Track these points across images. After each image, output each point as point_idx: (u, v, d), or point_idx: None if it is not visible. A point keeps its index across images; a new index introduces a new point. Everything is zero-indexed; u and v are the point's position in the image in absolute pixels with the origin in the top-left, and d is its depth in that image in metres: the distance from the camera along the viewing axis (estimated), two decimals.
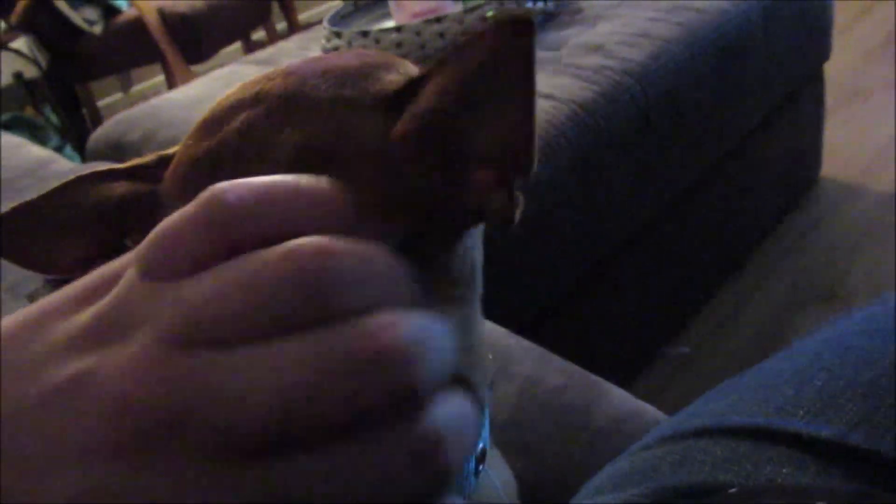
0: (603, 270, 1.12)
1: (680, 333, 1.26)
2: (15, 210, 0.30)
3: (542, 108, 1.02)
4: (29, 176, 1.38)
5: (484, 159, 0.27)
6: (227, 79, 1.50)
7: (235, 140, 0.28)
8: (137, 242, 0.31)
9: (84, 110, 2.28)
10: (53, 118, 2.06)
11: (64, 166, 1.42)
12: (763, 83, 1.28)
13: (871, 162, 1.51)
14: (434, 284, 0.30)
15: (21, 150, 1.51)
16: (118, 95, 2.84)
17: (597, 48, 1.16)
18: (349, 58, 0.31)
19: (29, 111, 2.02)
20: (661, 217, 1.18)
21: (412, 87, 0.27)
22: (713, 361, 1.22)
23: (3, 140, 1.59)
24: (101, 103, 2.59)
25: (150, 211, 0.30)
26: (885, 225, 1.35)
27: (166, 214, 0.29)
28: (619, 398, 0.68)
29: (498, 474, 0.33)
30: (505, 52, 0.24)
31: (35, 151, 1.51)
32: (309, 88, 0.29)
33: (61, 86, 2.09)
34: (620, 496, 0.42)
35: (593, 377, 0.71)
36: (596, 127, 1.04)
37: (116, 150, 1.42)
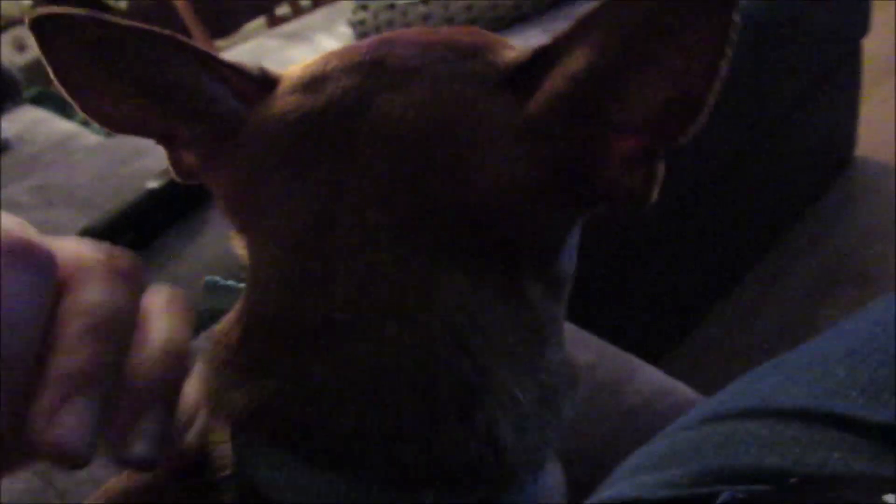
0: (635, 249, 1.10)
1: (710, 313, 1.24)
2: (83, 16, 0.27)
3: None
4: (55, 150, 1.38)
5: (637, 127, 0.25)
6: (253, 53, 1.49)
7: (346, 101, 0.27)
8: (189, 132, 0.30)
9: None
10: None
11: (91, 140, 1.42)
12: (799, 59, 1.25)
13: None
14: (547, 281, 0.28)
15: (48, 125, 1.52)
16: None
17: None
18: (457, 33, 0.30)
19: (54, 87, 2.03)
20: (694, 196, 1.16)
21: (543, 58, 0.26)
22: (743, 341, 1.20)
23: (29, 114, 1.59)
24: None
25: (226, 125, 0.29)
26: None
27: (245, 142, 0.28)
28: (650, 375, 0.67)
29: (551, 475, 0.32)
30: (700, 15, 0.23)
31: (61, 125, 1.51)
32: (430, 62, 0.28)
33: None
34: (661, 476, 0.41)
35: (625, 354, 0.70)
36: None
37: None
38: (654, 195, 0.26)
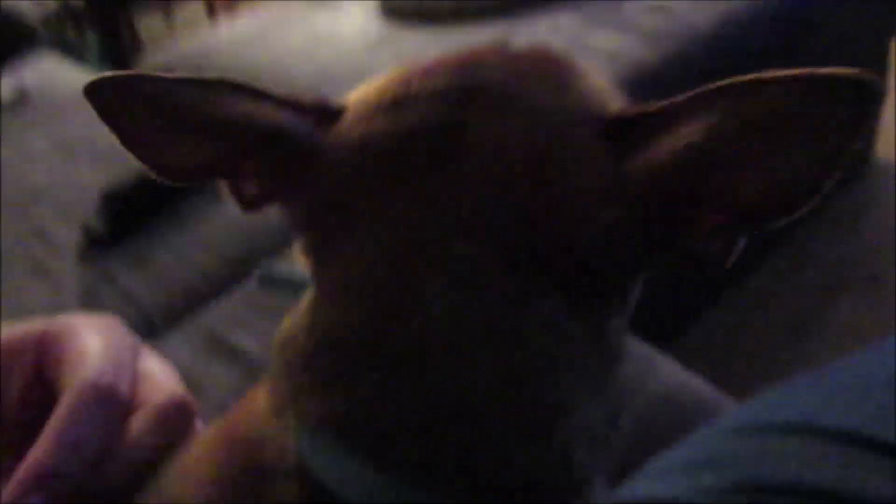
0: None
1: (721, 303, 1.25)
2: (145, 77, 0.27)
3: (605, 66, 1.00)
4: (75, 101, 1.37)
5: (734, 211, 0.25)
6: (278, 16, 1.48)
7: (442, 125, 0.27)
8: (257, 172, 0.30)
9: (125, 36, 2.25)
10: (94, 42, 2.04)
11: None
12: (827, 58, 1.24)
13: None
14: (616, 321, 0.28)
15: (67, 74, 1.51)
16: (159, 23, 2.81)
17: (661, 8, 1.13)
18: (541, 58, 0.30)
19: (70, 35, 2.01)
20: None
21: (652, 119, 0.25)
22: (751, 335, 1.21)
23: (48, 63, 1.58)
24: (143, 33, 2.56)
25: (298, 153, 0.29)
26: None
27: (324, 167, 0.29)
28: (669, 369, 0.68)
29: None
30: (834, 113, 0.22)
31: (81, 75, 1.50)
32: (527, 92, 0.28)
33: (103, 10, 2.06)
34: (694, 483, 0.41)
35: (645, 346, 0.71)
36: (657, 94, 1.01)
37: None
38: (730, 262, 0.26)
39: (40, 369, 0.35)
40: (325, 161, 0.29)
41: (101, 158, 1.14)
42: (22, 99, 1.41)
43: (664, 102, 0.25)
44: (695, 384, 0.66)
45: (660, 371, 0.68)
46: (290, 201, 0.31)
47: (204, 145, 0.29)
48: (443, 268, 0.26)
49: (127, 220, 0.96)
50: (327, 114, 0.30)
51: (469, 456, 0.26)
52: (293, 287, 0.34)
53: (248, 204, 0.32)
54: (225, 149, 0.30)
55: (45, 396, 0.34)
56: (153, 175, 0.30)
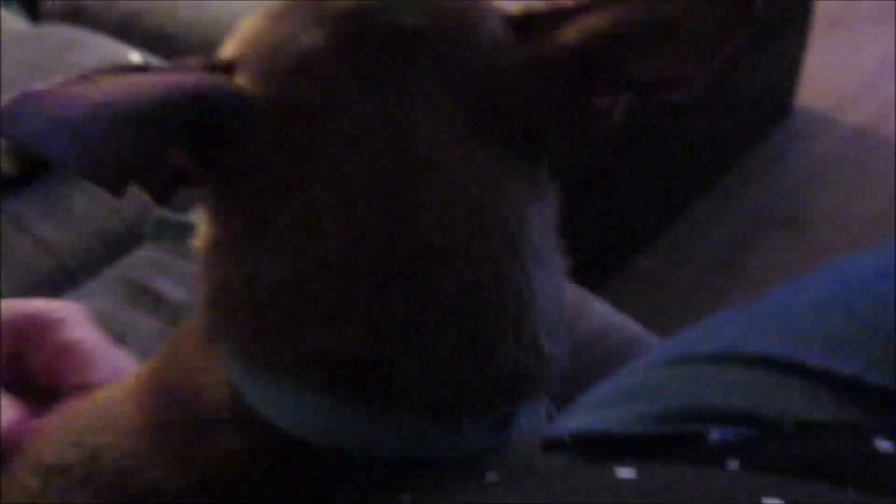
0: (576, 184, 1.12)
1: (647, 248, 1.29)
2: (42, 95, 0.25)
3: None
4: None
5: (631, 86, 0.28)
6: None
7: (356, 25, 0.27)
8: (185, 152, 0.28)
9: None
10: None
11: (16, 26, 1.32)
12: None
13: (848, 94, 1.53)
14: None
15: None
16: None
17: None
18: None
19: None
20: (633, 134, 1.17)
21: (558, 14, 0.28)
22: (676, 277, 1.25)
23: None
24: None
25: (221, 117, 0.27)
26: (854, 158, 1.38)
27: (257, 121, 0.27)
28: (600, 310, 0.69)
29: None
30: (716, 16, 0.27)
31: None
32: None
33: None
34: (625, 412, 0.42)
35: (576, 287, 0.72)
36: None
37: (75, 13, 1.32)
38: (617, 122, 0.30)
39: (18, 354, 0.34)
40: (256, 115, 0.27)
41: (10, 93, 1.07)
42: None
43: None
44: (624, 323, 0.68)
45: (590, 311, 0.69)
46: (213, 170, 0.29)
47: (133, 142, 0.26)
48: (424, 173, 0.26)
49: (38, 158, 0.91)
50: (223, 70, 0.29)
51: (458, 363, 0.27)
52: (189, 230, 0.33)
53: (164, 192, 0.29)
54: (155, 139, 0.27)
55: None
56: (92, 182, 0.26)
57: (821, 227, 1.28)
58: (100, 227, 0.87)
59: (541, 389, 0.29)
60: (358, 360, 0.26)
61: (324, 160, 0.27)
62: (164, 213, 0.36)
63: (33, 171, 0.91)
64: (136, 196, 0.88)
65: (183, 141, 0.28)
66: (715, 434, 0.35)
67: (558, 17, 0.28)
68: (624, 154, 1.17)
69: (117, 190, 0.26)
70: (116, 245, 0.84)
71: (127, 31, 1.25)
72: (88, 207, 0.89)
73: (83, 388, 0.33)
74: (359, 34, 0.27)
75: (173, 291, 0.73)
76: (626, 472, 0.21)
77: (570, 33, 0.28)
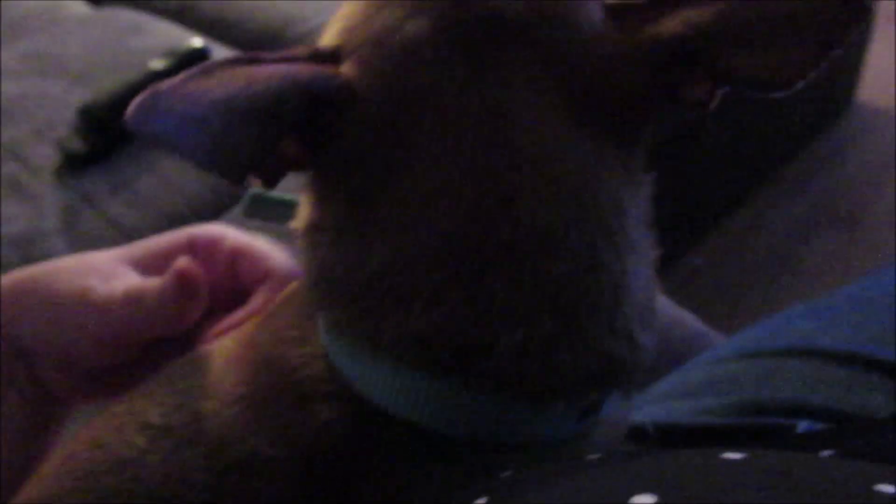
0: None
1: (697, 245, 1.27)
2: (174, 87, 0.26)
3: None
4: (41, 16, 1.31)
5: (731, 80, 0.28)
6: None
7: (458, 15, 0.27)
8: (298, 140, 0.29)
9: None
10: None
11: (78, 10, 1.35)
12: None
13: None
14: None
15: None
16: None
17: None
18: None
19: None
20: (692, 126, 1.16)
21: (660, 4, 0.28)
22: (726, 275, 1.23)
23: None
24: None
25: (328, 107, 0.28)
26: None
27: (362, 110, 0.28)
28: (661, 305, 0.69)
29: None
30: (827, 13, 0.26)
31: None
32: None
33: None
34: (695, 404, 0.42)
35: None
36: None
37: None
38: (713, 107, 0.30)
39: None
40: (363, 103, 0.28)
41: (74, 74, 1.09)
42: None
43: None
44: (686, 319, 0.68)
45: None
46: (320, 156, 0.30)
47: (254, 134, 0.27)
48: (525, 160, 0.27)
49: (105, 138, 0.93)
50: (330, 59, 0.29)
51: (553, 348, 0.27)
52: (285, 208, 0.34)
53: (274, 177, 0.30)
54: (273, 129, 0.28)
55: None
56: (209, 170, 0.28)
57: (879, 225, 1.26)
58: (164, 205, 0.89)
59: (631, 378, 0.29)
60: (457, 342, 0.27)
61: (427, 146, 0.27)
62: (259, 190, 0.36)
63: (102, 151, 0.93)
64: (199, 177, 0.90)
65: (294, 129, 0.28)
66: (803, 425, 0.35)
67: (658, 7, 0.28)
68: (680, 147, 1.16)
69: (239, 179, 0.27)
70: (181, 223, 0.86)
71: (186, 15, 1.27)
72: (154, 187, 0.91)
73: (267, 279, 0.35)
74: (462, 23, 0.28)
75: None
76: (731, 454, 0.21)
77: (672, 25, 0.28)
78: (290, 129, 0.28)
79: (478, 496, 0.24)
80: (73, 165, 0.93)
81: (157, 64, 0.99)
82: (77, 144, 0.93)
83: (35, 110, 1.03)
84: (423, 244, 0.27)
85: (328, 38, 0.30)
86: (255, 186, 0.35)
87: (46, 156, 0.95)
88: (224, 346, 0.33)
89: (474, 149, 0.27)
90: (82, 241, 0.86)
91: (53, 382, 0.37)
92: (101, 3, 1.39)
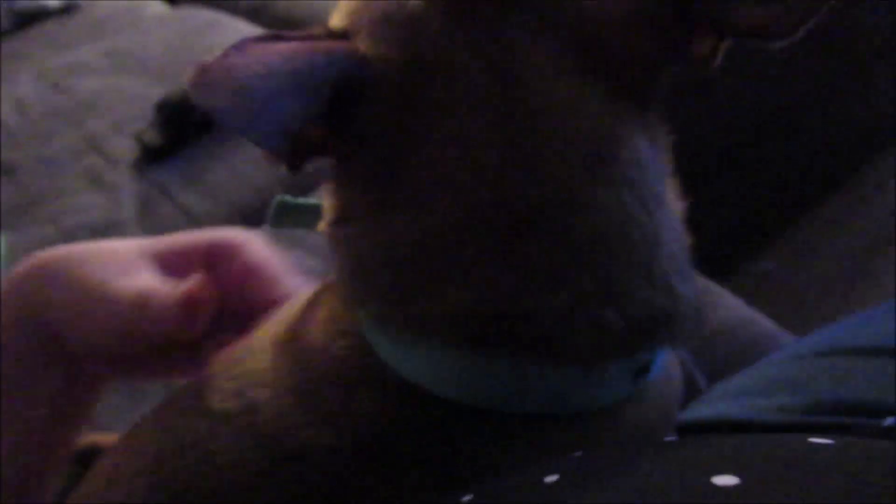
0: (696, 177, 1.08)
1: (768, 249, 1.24)
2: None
3: None
4: (123, 15, 1.36)
5: (732, 32, 0.27)
6: None
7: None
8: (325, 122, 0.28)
9: None
10: None
11: (157, 9, 1.39)
12: None
13: None
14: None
15: None
16: None
17: None
18: None
19: None
20: (763, 125, 1.13)
21: None
22: (799, 281, 1.20)
23: None
24: None
25: (350, 86, 0.28)
26: None
27: (382, 87, 0.27)
28: (732, 304, 0.67)
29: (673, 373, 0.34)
30: None
31: None
32: None
33: None
34: (769, 402, 0.41)
35: (707, 280, 0.71)
36: None
37: None
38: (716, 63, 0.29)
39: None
40: (378, 80, 0.28)
41: (153, 70, 1.13)
42: (71, 8, 1.41)
43: None
44: (757, 318, 0.66)
45: (722, 304, 0.67)
46: (341, 138, 0.29)
47: (294, 106, 0.27)
48: (541, 123, 0.26)
49: (181, 131, 0.96)
50: (342, 38, 0.29)
51: (596, 307, 0.27)
52: (312, 214, 0.34)
53: (298, 161, 0.29)
54: (309, 102, 0.28)
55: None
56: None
57: None
58: (234, 196, 0.92)
59: (678, 332, 0.29)
60: (498, 313, 0.27)
61: (444, 118, 0.27)
62: (284, 197, 0.36)
63: (177, 143, 0.96)
64: (268, 169, 0.92)
65: (321, 108, 0.28)
66: (890, 420, 0.33)
67: None
68: (751, 148, 1.13)
69: (289, 157, 0.28)
70: (251, 215, 0.88)
71: (258, 13, 1.31)
72: (225, 178, 0.93)
73: (270, 305, 0.35)
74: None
75: (307, 262, 0.75)
76: (819, 439, 0.20)
77: None
78: (324, 105, 0.28)
79: (548, 474, 0.23)
80: (150, 157, 0.97)
81: None
82: (153, 137, 0.97)
83: (115, 105, 1.07)
84: (450, 219, 0.27)
85: (335, 20, 0.30)
86: (280, 195, 0.36)
87: (125, 148, 0.99)
88: (272, 334, 0.34)
89: (490, 116, 0.27)
90: (157, 231, 0.88)
91: (84, 361, 0.38)
92: (179, 2, 1.44)
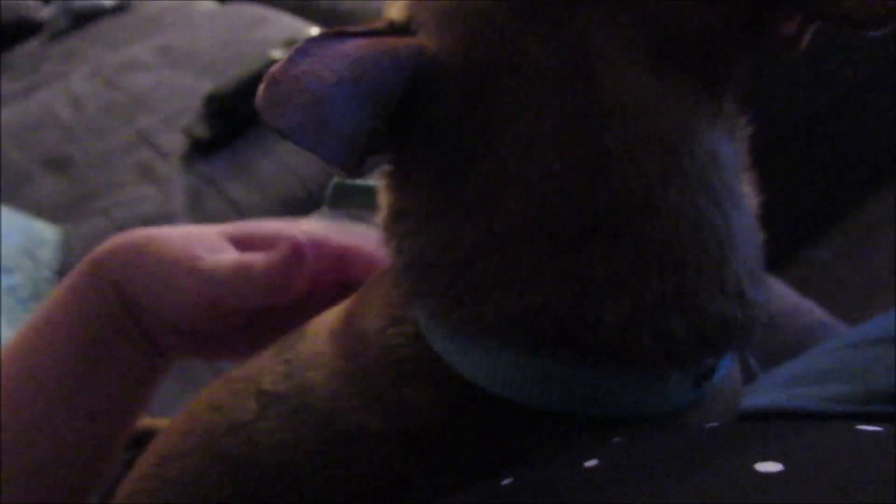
0: (755, 165, 1.06)
1: (824, 237, 1.20)
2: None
3: None
4: (174, 12, 1.39)
5: (820, 16, 0.25)
6: None
7: None
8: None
9: None
10: None
11: (207, 6, 1.42)
12: None
13: None
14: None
15: None
16: None
17: None
18: None
19: None
20: (824, 113, 1.10)
21: None
22: (855, 271, 1.16)
23: None
24: None
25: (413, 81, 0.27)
26: None
27: (445, 82, 0.26)
28: (784, 293, 0.66)
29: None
30: None
31: None
32: None
33: None
34: (821, 390, 0.40)
35: None
36: None
37: None
38: (804, 44, 0.27)
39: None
40: (444, 77, 0.27)
41: (202, 66, 1.15)
42: (124, 7, 1.44)
43: None
44: (809, 307, 0.64)
45: (774, 293, 0.66)
46: (402, 137, 0.28)
47: (362, 117, 0.26)
48: (615, 122, 0.25)
49: (228, 124, 0.98)
50: (405, 33, 0.28)
51: (663, 314, 0.25)
52: (369, 195, 0.33)
53: (358, 162, 0.27)
54: (376, 110, 0.26)
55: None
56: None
57: None
58: (282, 190, 0.93)
59: (747, 338, 0.27)
60: (562, 317, 0.26)
61: (513, 117, 0.26)
62: (343, 179, 0.36)
63: (225, 137, 0.98)
64: (316, 163, 0.93)
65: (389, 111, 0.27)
66: None
67: None
68: (809, 136, 1.10)
69: (354, 167, 0.26)
70: (297, 208, 0.89)
71: (304, 9, 1.32)
72: (271, 171, 0.95)
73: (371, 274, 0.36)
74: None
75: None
76: (867, 427, 0.19)
77: None
78: (392, 108, 0.27)
79: (587, 458, 0.23)
80: (199, 150, 0.99)
81: (277, 53, 1.03)
82: (202, 130, 0.98)
83: (166, 100, 1.10)
84: (515, 220, 0.26)
85: (395, 13, 0.29)
86: (338, 177, 0.35)
87: (176, 142, 1.01)
88: (327, 318, 0.34)
89: (560, 114, 0.25)
90: (206, 221, 0.90)
91: (159, 337, 0.39)
92: None
